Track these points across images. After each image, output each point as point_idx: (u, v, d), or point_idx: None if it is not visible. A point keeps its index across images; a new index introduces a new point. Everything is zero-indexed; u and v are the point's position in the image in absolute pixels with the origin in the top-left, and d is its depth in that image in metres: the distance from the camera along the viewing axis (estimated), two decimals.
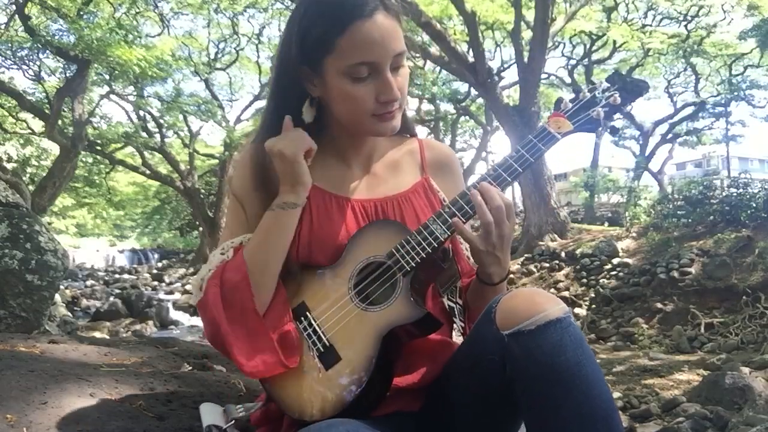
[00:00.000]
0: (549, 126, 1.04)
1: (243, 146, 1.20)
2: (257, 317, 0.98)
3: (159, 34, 15.64)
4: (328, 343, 0.98)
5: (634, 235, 10.48)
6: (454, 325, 1.13)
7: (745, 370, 4.81)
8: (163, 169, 20.07)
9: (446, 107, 20.34)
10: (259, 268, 1.00)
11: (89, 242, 27.47)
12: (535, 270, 10.50)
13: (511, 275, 6.65)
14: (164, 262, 22.97)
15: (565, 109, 1.05)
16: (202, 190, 19.59)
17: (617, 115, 1.06)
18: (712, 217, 9.14)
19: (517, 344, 0.89)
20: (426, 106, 20.38)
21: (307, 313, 1.01)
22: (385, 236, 1.02)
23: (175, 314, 11.38)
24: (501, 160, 1.04)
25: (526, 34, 12.03)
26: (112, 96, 16.70)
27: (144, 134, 17.90)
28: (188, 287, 14.74)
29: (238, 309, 0.98)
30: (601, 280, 9.18)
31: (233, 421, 1.06)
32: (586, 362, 0.87)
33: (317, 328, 0.99)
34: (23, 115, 15.57)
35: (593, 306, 8.83)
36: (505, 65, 17.42)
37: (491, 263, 1.04)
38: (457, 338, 1.12)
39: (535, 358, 0.87)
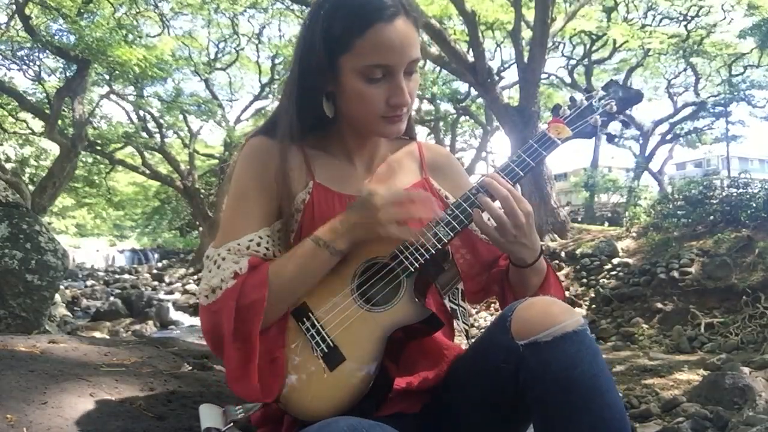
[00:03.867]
0: (549, 131, 1.06)
1: (254, 134, 1.15)
2: (255, 343, 0.96)
3: (159, 34, 15.60)
4: (332, 344, 0.98)
5: (634, 235, 10.45)
6: (456, 327, 1.13)
7: (745, 370, 4.79)
8: (163, 169, 20.04)
9: (446, 107, 20.31)
10: (281, 297, 0.99)
11: (89, 242, 27.42)
12: None
13: None
14: (164, 262, 22.90)
15: (564, 116, 1.08)
16: (202, 190, 19.56)
17: (613, 123, 1.09)
18: (712, 217, 9.12)
19: (532, 355, 0.89)
20: (426, 106, 20.38)
21: (309, 314, 1.01)
22: (388, 237, 1.02)
23: (175, 314, 11.35)
24: (503, 164, 1.06)
25: (526, 34, 12.01)
26: (112, 96, 16.68)
27: (144, 134, 17.88)
28: (189, 287, 14.72)
29: (244, 328, 0.97)
30: (601, 280, 9.16)
31: (231, 424, 1.06)
32: (601, 375, 0.87)
33: (320, 329, 0.99)
34: (23, 115, 15.55)
35: (593, 306, 8.82)
36: (505, 65, 17.39)
37: (518, 250, 1.04)
38: (459, 340, 1.13)
39: (551, 369, 0.87)
